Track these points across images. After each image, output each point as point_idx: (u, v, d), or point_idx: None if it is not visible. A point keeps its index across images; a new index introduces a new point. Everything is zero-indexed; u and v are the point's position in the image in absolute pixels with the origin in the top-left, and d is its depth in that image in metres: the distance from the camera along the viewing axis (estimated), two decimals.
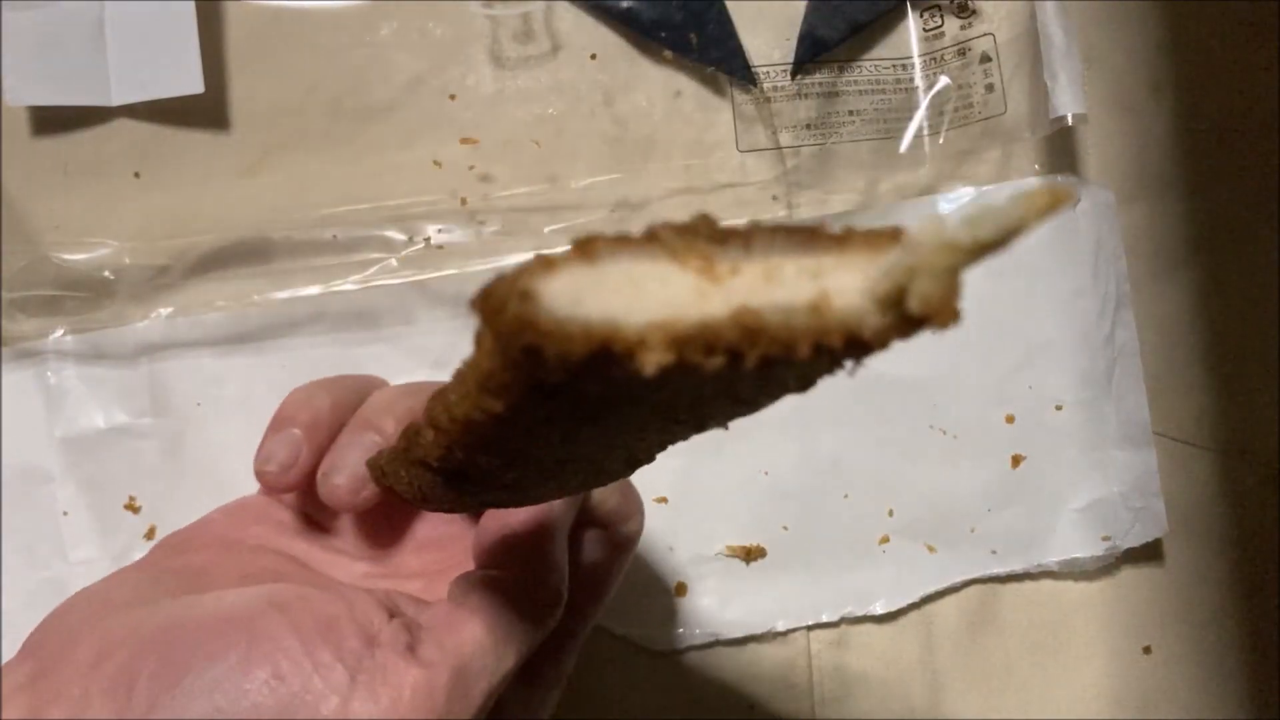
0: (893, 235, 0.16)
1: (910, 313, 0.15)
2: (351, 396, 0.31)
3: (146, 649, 0.23)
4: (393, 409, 0.30)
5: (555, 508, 0.27)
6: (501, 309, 0.15)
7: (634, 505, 0.31)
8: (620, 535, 0.30)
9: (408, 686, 0.23)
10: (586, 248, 0.16)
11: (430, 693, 0.24)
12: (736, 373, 0.15)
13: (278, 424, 0.30)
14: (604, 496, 0.30)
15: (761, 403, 0.20)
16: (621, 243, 0.16)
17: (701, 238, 0.16)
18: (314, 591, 0.25)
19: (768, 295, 0.15)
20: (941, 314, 0.15)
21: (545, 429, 0.19)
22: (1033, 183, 0.13)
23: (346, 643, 0.24)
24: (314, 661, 0.23)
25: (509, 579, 0.26)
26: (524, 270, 0.15)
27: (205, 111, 0.39)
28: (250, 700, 0.22)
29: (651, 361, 0.15)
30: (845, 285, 0.15)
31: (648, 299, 0.15)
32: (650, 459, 0.24)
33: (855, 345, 0.15)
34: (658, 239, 0.16)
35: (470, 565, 0.28)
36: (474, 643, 0.25)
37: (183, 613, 0.25)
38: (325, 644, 0.23)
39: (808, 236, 0.16)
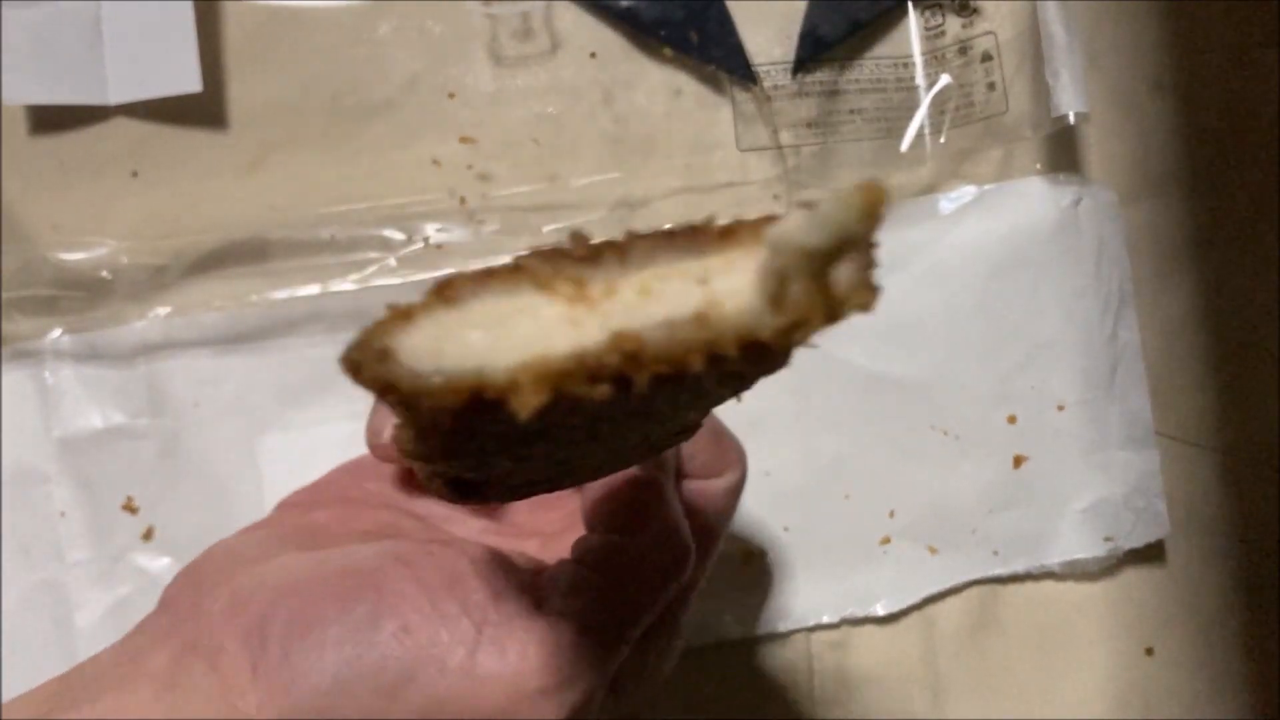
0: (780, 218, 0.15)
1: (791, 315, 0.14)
2: None
3: (278, 601, 0.24)
4: None
5: (648, 466, 0.26)
6: (360, 369, 0.14)
7: (729, 457, 0.29)
8: (718, 488, 0.28)
9: (534, 643, 0.23)
10: (446, 289, 0.15)
11: (557, 652, 0.23)
12: (630, 396, 0.14)
13: None
14: (692, 452, 0.28)
15: (717, 395, 0.18)
16: (484, 278, 0.15)
17: (570, 260, 0.15)
18: (438, 547, 0.25)
19: (646, 312, 0.14)
20: (810, 319, 0.13)
21: (497, 456, 0.18)
22: (851, 186, 0.12)
23: (472, 597, 0.24)
24: (440, 614, 0.23)
25: (635, 544, 0.25)
26: (380, 324, 0.15)
27: (203, 110, 0.39)
28: (379, 651, 0.23)
29: (526, 405, 0.14)
30: (735, 286, 0.14)
31: (515, 337, 0.14)
32: (666, 444, 0.23)
33: (756, 349, 0.14)
34: (522, 269, 0.15)
35: (579, 526, 0.28)
36: (603, 605, 0.24)
37: (312, 566, 0.25)
38: (451, 597, 0.24)
39: (690, 237, 0.15)
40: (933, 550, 0.39)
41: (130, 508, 0.38)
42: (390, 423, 0.29)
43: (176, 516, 0.38)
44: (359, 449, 0.38)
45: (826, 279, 0.13)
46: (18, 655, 0.37)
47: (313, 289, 0.39)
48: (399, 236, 0.39)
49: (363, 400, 0.40)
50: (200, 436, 0.38)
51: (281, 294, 0.39)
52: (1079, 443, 0.39)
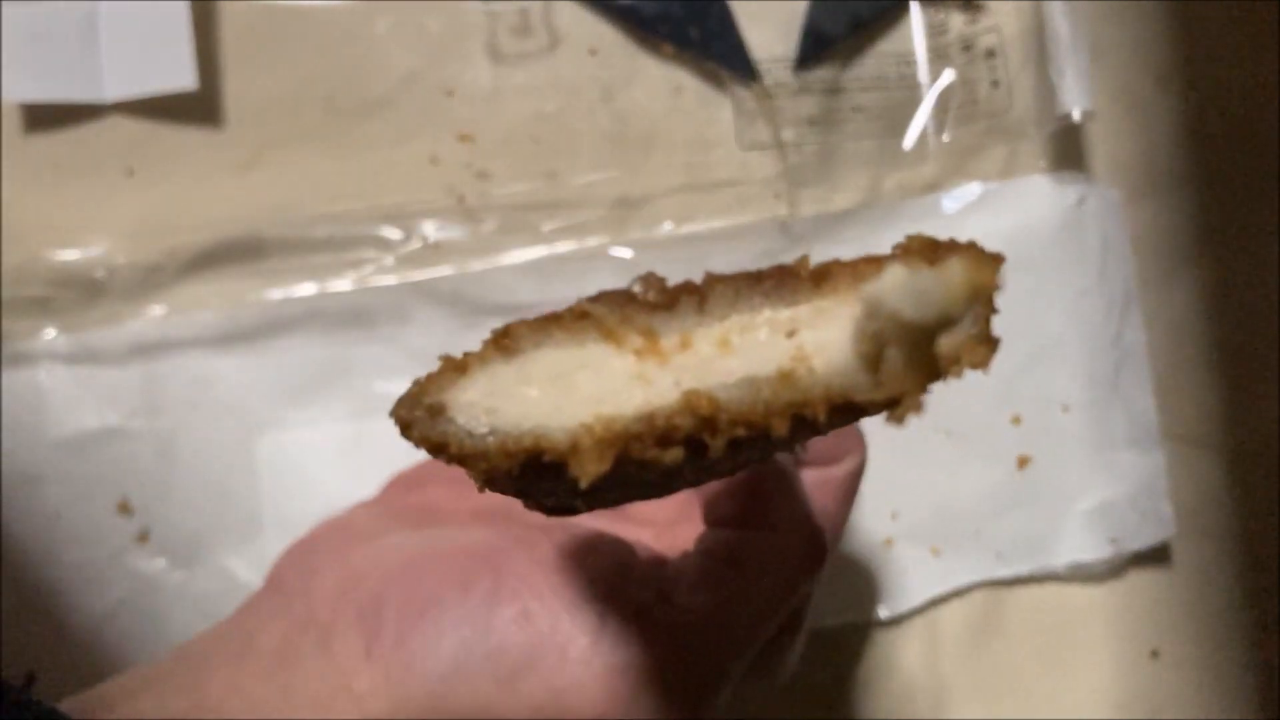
0: (878, 267, 0.13)
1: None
2: None
3: (392, 579, 0.23)
4: None
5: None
6: (410, 426, 0.13)
7: (849, 441, 0.26)
8: (839, 474, 0.26)
9: (660, 638, 0.22)
10: (504, 340, 0.13)
11: (685, 648, 0.22)
12: (706, 459, 0.13)
13: None
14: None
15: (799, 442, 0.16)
16: (545, 327, 0.13)
17: (642, 307, 0.13)
18: (558, 530, 0.24)
19: (725, 368, 0.13)
20: (910, 391, 0.12)
21: (570, 499, 0.17)
22: (959, 261, 0.11)
23: (595, 585, 0.23)
24: (562, 602, 0.22)
25: (769, 539, 0.24)
26: (432, 378, 0.13)
27: (199, 108, 0.39)
28: (498, 637, 0.22)
29: (586, 473, 0.12)
30: (826, 340, 0.13)
31: (577, 395, 0.13)
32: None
33: (848, 410, 0.13)
34: (588, 317, 0.13)
35: (695, 515, 0.26)
36: (735, 602, 0.23)
37: (426, 545, 0.24)
38: (573, 583, 0.23)
39: (779, 281, 0.13)
40: (936, 552, 0.39)
41: (126, 508, 0.38)
42: None
43: (172, 518, 0.38)
44: (358, 448, 0.38)
45: (930, 345, 0.12)
46: (17, 656, 0.37)
47: (309, 288, 0.38)
48: (397, 235, 0.39)
49: (360, 400, 0.40)
50: (196, 437, 0.38)
51: (278, 293, 0.38)
52: (1083, 444, 0.39)
